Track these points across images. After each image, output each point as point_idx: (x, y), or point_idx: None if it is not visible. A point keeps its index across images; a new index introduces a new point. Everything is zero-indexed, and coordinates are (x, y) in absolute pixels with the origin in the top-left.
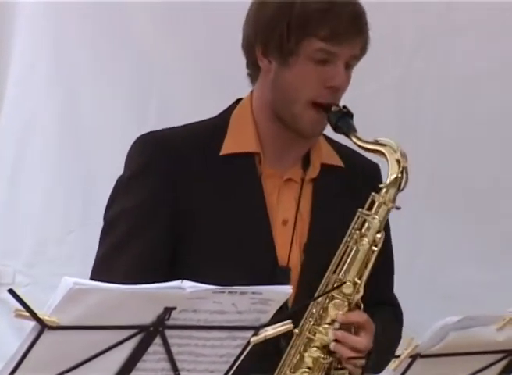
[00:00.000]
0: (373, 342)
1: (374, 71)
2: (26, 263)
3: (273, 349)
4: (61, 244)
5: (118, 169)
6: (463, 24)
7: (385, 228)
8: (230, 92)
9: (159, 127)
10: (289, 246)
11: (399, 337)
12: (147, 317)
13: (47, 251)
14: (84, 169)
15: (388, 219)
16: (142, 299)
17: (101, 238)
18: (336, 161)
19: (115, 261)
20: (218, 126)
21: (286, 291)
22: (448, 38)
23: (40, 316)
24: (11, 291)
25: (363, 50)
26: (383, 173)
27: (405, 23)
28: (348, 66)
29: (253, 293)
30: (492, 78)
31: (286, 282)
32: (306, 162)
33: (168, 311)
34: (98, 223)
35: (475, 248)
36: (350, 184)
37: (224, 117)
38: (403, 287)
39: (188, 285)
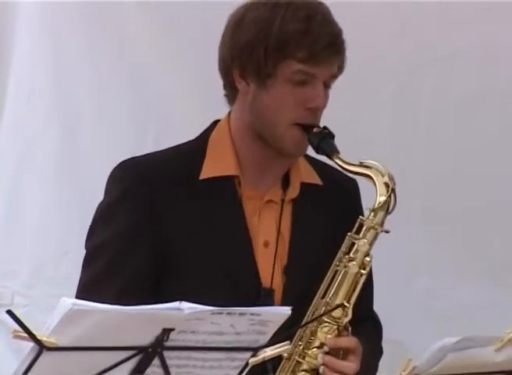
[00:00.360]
0: (361, 363)
1: (369, 89)
2: (24, 284)
3: (260, 372)
4: (58, 266)
5: None
6: (460, 45)
7: None
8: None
9: (158, 142)
10: (271, 268)
11: (381, 352)
12: (146, 338)
13: (45, 273)
14: (81, 189)
15: None
16: (140, 320)
17: (83, 267)
18: (315, 179)
19: (97, 291)
20: (196, 149)
21: (284, 312)
22: (445, 56)
23: (39, 337)
24: (9, 312)
25: (340, 69)
26: (369, 192)
27: (402, 40)
28: (326, 86)
29: (251, 314)
30: (488, 98)
31: (270, 303)
32: (285, 182)
33: (166, 332)
34: None
35: (472, 269)
36: (329, 202)
37: (202, 140)
38: (400, 309)
39: (186, 306)
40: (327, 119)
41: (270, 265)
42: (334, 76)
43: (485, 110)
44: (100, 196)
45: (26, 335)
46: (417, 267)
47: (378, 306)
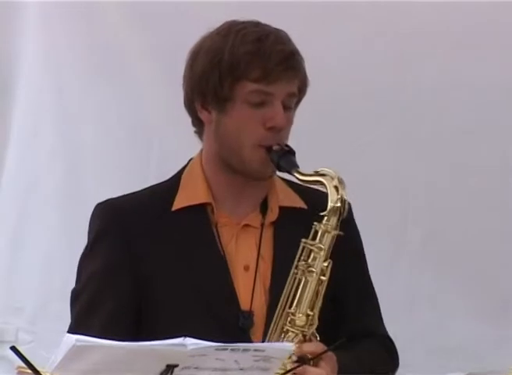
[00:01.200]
0: (338, 372)
1: (370, 122)
2: (28, 321)
3: None
4: (63, 302)
5: None
6: (461, 78)
7: (361, 257)
8: None
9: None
10: (251, 290)
11: (379, 364)
12: (150, 374)
13: (49, 309)
14: (85, 226)
15: (362, 248)
16: (144, 356)
17: (70, 310)
18: (298, 203)
19: (81, 330)
20: (170, 186)
21: (287, 349)
22: (446, 89)
23: (43, 374)
24: (13, 349)
25: (301, 88)
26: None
27: (403, 73)
28: (286, 107)
29: (255, 350)
30: (489, 127)
31: (249, 325)
32: (264, 207)
33: (170, 368)
34: None
35: (475, 303)
36: (313, 224)
37: (176, 177)
38: (401, 342)
39: (190, 342)
40: (330, 153)
41: (251, 288)
42: (293, 96)
43: (487, 139)
44: None
45: (30, 371)
46: (418, 300)
47: None
